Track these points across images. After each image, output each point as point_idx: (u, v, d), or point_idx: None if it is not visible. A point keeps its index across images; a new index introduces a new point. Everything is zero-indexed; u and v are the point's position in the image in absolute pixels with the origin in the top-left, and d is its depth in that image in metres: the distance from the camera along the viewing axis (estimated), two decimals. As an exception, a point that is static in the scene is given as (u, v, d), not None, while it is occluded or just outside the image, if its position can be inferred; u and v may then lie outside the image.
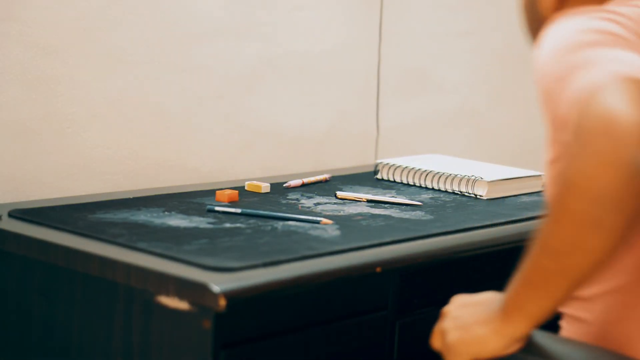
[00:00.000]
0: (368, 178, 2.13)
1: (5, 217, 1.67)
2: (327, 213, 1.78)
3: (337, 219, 1.73)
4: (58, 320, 1.55)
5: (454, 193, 1.99)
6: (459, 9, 2.57)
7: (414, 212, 1.81)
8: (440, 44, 2.55)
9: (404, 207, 1.86)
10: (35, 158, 1.87)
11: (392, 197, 1.92)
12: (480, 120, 2.66)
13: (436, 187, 2.01)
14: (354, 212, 1.80)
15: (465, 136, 2.63)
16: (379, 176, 2.11)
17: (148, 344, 1.44)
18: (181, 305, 1.39)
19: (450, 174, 2.00)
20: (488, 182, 1.96)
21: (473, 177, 1.97)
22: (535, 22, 1.53)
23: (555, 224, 1.17)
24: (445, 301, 1.71)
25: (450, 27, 2.56)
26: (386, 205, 1.86)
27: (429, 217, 1.78)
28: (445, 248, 1.66)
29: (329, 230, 1.65)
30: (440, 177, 2.01)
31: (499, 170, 2.06)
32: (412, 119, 2.51)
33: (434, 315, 1.68)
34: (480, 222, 1.77)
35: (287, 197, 1.90)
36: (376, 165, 2.12)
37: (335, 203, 1.87)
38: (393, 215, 1.79)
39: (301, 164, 2.29)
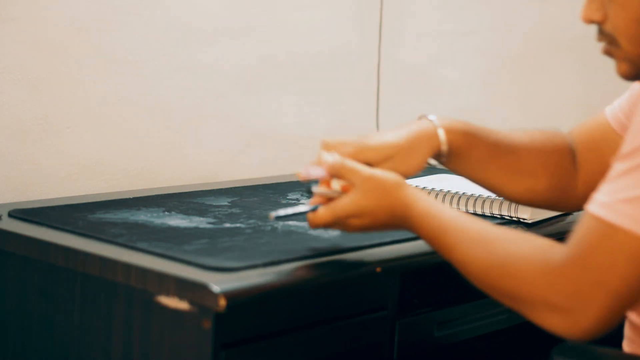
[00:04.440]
0: (368, 178, 2.13)
1: (5, 217, 1.67)
2: (327, 213, 1.77)
3: (337, 219, 1.73)
4: (58, 320, 1.55)
5: (492, 216, 1.80)
6: (459, 9, 2.57)
7: (414, 212, 1.81)
8: (440, 44, 2.55)
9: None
10: (35, 158, 1.87)
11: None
12: (480, 121, 2.65)
13: (470, 211, 1.82)
14: (354, 212, 1.79)
15: (465, 136, 2.63)
16: None
17: (148, 344, 1.44)
18: (181, 305, 1.39)
19: (489, 196, 1.80)
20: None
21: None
22: None
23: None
24: (445, 301, 1.71)
25: (451, 27, 2.56)
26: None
27: (429, 217, 1.78)
28: (445, 248, 1.65)
29: (329, 230, 1.65)
30: (476, 200, 1.82)
31: None
32: (412, 119, 2.51)
33: (434, 315, 1.69)
34: (480, 222, 1.76)
35: (287, 197, 1.90)
36: None
37: (335, 203, 1.86)
38: (393, 215, 1.78)
39: (301, 164, 2.29)
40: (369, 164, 1.50)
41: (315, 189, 1.48)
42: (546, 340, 1.38)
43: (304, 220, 1.52)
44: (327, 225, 1.46)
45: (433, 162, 1.64)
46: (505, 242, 1.34)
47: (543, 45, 2.75)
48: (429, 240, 1.42)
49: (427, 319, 1.67)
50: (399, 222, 1.44)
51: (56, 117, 1.90)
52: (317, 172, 1.47)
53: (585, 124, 1.68)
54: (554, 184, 1.65)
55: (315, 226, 1.47)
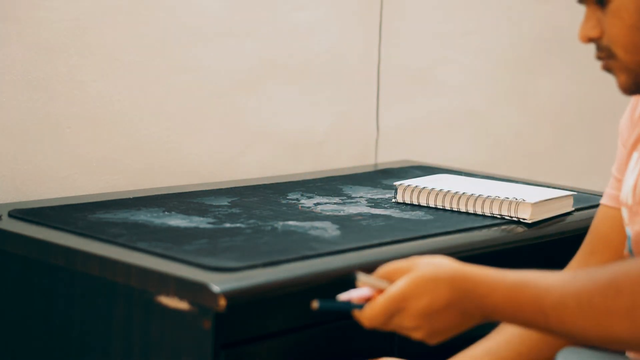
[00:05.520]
0: (368, 178, 2.13)
1: (5, 217, 1.67)
2: (327, 213, 1.78)
3: (337, 219, 1.73)
4: (58, 320, 1.55)
5: (492, 216, 1.80)
6: (459, 9, 2.57)
7: (414, 212, 1.81)
8: (441, 44, 2.55)
9: (403, 207, 1.86)
10: (35, 158, 1.87)
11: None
12: (480, 121, 2.66)
13: (470, 211, 1.82)
14: (354, 212, 1.80)
15: (465, 136, 2.63)
16: (399, 199, 1.88)
17: (148, 344, 1.44)
18: (181, 305, 1.39)
19: (489, 196, 1.81)
20: (532, 204, 1.77)
21: (515, 200, 1.78)
22: None
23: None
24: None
25: (451, 27, 2.56)
26: (386, 205, 1.86)
27: (429, 217, 1.78)
28: (445, 248, 1.66)
29: (329, 230, 1.65)
30: (476, 200, 1.81)
31: (531, 190, 1.89)
32: (412, 119, 2.51)
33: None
34: (480, 222, 1.77)
35: (287, 197, 1.90)
36: (396, 189, 1.89)
37: (335, 203, 1.86)
38: (393, 215, 1.79)
39: (301, 164, 2.29)
40: None
41: (362, 277, 1.30)
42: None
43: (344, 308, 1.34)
44: (382, 318, 1.28)
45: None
46: (601, 267, 1.24)
47: (543, 45, 2.75)
48: (508, 300, 1.25)
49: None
50: (465, 295, 1.27)
51: (56, 117, 1.90)
52: (360, 292, 1.30)
53: (584, 249, 1.60)
54: None
55: (368, 322, 1.28)
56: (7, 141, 1.84)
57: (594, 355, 1.33)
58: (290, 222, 1.69)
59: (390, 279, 1.29)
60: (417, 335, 1.28)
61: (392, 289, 1.27)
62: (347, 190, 1.99)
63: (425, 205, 1.86)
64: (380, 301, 1.27)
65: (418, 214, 1.80)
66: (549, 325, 1.24)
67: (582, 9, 1.39)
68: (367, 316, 1.28)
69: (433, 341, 1.29)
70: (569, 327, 1.22)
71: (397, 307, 1.26)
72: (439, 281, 1.26)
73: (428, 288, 1.26)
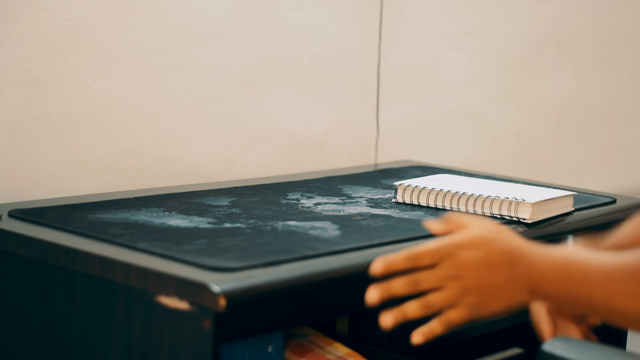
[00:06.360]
0: (368, 178, 2.13)
1: (5, 217, 1.67)
2: (327, 213, 1.78)
3: (337, 219, 1.73)
4: (58, 320, 1.55)
5: (492, 216, 1.80)
6: (458, 9, 2.57)
7: (414, 212, 1.81)
8: (440, 44, 2.55)
9: (403, 207, 1.86)
10: (35, 158, 1.87)
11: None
12: (480, 120, 2.66)
13: (470, 211, 1.82)
14: (354, 212, 1.80)
15: (465, 136, 2.63)
16: (399, 199, 1.89)
17: (148, 344, 1.44)
18: (181, 305, 1.39)
19: (489, 196, 1.81)
20: (532, 204, 1.78)
21: (515, 200, 1.78)
22: None
23: None
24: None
25: (450, 27, 2.56)
26: (386, 205, 1.86)
27: (429, 217, 1.78)
28: (445, 248, 1.66)
29: (329, 230, 1.65)
30: (476, 200, 1.82)
31: (531, 190, 1.90)
32: (412, 118, 2.51)
33: (434, 315, 1.68)
34: (480, 222, 1.77)
35: (287, 197, 1.90)
36: (396, 189, 1.90)
37: (335, 203, 1.87)
38: (393, 215, 1.79)
39: (301, 164, 2.29)
40: None
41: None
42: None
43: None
44: (433, 253, 1.32)
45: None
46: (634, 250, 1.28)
47: (543, 45, 2.75)
48: (558, 269, 1.30)
49: (427, 318, 1.67)
50: (517, 259, 1.31)
51: (56, 117, 1.90)
52: None
53: None
54: None
55: (413, 259, 1.33)
56: (7, 141, 1.84)
57: (581, 344, 1.34)
58: (290, 222, 1.69)
59: (452, 229, 1.34)
60: (464, 296, 1.32)
61: (448, 237, 1.31)
62: (347, 190, 1.99)
63: (425, 205, 1.86)
64: (435, 242, 1.31)
65: (418, 214, 1.80)
66: (593, 296, 1.27)
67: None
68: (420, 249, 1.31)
69: (476, 303, 1.32)
70: (612, 300, 1.26)
71: (450, 250, 1.30)
72: (495, 241, 1.31)
73: (483, 243, 1.31)
